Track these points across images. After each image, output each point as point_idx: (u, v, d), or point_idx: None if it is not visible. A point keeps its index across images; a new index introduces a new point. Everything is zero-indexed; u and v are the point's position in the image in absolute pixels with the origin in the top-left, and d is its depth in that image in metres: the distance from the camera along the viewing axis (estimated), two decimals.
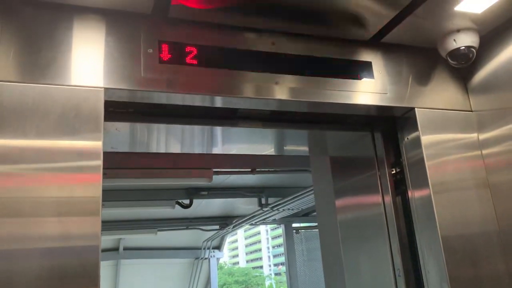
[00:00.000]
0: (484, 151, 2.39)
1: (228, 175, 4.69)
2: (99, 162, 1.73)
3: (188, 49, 1.99)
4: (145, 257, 8.96)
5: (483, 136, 2.40)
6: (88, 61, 1.85)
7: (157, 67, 1.92)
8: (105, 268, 8.71)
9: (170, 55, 1.95)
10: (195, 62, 1.98)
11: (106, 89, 1.83)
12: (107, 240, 7.86)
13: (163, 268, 9.43)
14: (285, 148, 3.13)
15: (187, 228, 7.39)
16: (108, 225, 6.40)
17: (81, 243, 1.62)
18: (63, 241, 1.60)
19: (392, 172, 2.53)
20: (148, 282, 9.47)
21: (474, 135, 2.42)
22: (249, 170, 4.35)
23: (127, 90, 1.87)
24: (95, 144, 1.75)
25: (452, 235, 2.19)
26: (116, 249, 8.53)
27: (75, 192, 1.66)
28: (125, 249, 8.55)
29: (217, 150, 3.05)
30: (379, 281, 2.56)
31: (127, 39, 1.93)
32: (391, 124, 2.53)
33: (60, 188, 1.65)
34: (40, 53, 1.78)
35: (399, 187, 2.50)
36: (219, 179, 4.82)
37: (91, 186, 1.69)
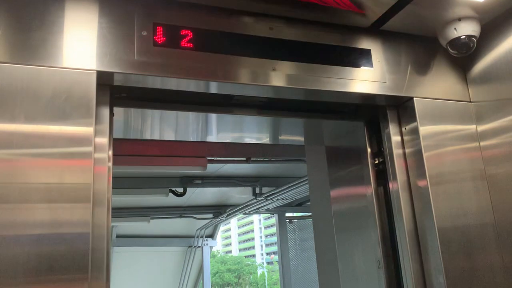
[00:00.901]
0: (482, 143, 2.36)
1: (223, 164, 4.66)
2: (90, 148, 1.68)
3: (183, 32, 1.93)
4: (138, 245, 8.95)
5: (481, 127, 2.38)
6: (80, 42, 1.79)
7: (151, 50, 1.86)
8: None
9: (164, 38, 1.89)
10: (190, 45, 1.93)
11: (98, 72, 1.77)
12: None
13: (156, 256, 9.43)
14: (280, 137, 3.09)
15: (180, 217, 7.37)
16: None
17: (70, 230, 1.58)
18: (52, 228, 1.56)
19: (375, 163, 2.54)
20: (141, 270, 9.47)
21: (473, 126, 2.40)
22: (244, 159, 4.32)
23: (120, 73, 1.82)
24: (87, 130, 1.70)
25: (448, 226, 2.18)
26: None
27: (65, 178, 1.62)
28: (117, 236, 8.52)
29: (212, 138, 3.01)
30: (371, 271, 2.54)
31: (121, 20, 1.87)
32: (385, 114, 2.46)
33: (49, 174, 1.60)
34: (30, 34, 1.72)
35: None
36: (213, 168, 4.78)
37: (82, 173, 1.65)
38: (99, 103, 1.80)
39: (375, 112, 2.50)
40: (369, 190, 2.50)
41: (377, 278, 2.46)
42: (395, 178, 2.33)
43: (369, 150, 2.53)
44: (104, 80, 1.82)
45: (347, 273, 2.81)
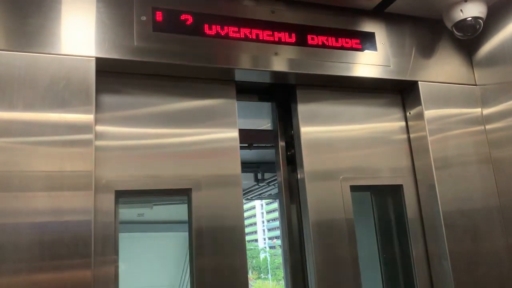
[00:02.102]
0: (488, 126, 2.34)
1: None
2: (91, 136, 1.66)
3: (183, 16, 1.89)
4: (141, 230, 8.99)
5: (486, 111, 2.35)
6: (79, 28, 1.76)
7: (150, 36, 1.83)
8: None
9: (164, 23, 1.85)
10: (190, 30, 1.89)
11: (97, 59, 1.74)
12: None
13: (159, 241, 9.48)
14: None
15: (183, 203, 7.38)
16: None
17: (72, 217, 1.57)
18: (53, 215, 1.55)
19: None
20: (144, 255, 9.53)
21: (478, 110, 2.37)
22: (246, 145, 4.30)
23: (120, 59, 1.78)
24: (87, 117, 1.67)
25: (453, 210, 2.16)
26: None
27: (66, 166, 1.60)
28: (121, 222, 8.55)
29: None
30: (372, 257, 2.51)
31: (119, 5, 1.83)
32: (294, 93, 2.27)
33: (50, 162, 1.59)
34: (27, 20, 1.68)
35: None
36: None
37: (83, 160, 1.63)
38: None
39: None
40: (279, 177, 2.30)
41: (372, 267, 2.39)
42: (301, 165, 2.14)
43: (279, 133, 2.33)
44: (103, 66, 1.79)
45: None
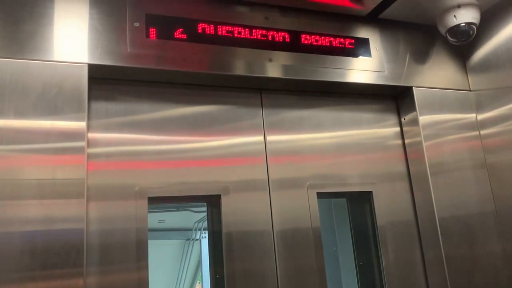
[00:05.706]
0: (482, 132, 2.34)
1: None
2: (83, 143, 1.64)
3: (176, 23, 1.88)
4: None
5: (481, 116, 2.35)
6: (71, 35, 1.74)
7: (144, 42, 1.81)
8: None
9: (157, 29, 1.84)
10: (184, 37, 1.88)
11: (90, 65, 1.72)
12: None
13: (153, 249, 9.38)
14: None
15: (177, 210, 7.33)
16: None
17: (64, 226, 1.54)
18: (45, 224, 1.53)
19: None
20: None
21: (472, 115, 2.37)
22: None
23: (112, 66, 1.77)
24: (79, 125, 1.65)
25: (449, 216, 2.15)
26: None
27: (58, 174, 1.58)
28: None
29: None
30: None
31: (112, 12, 1.82)
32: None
33: (41, 170, 1.56)
34: (18, 26, 1.67)
35: None
36: None
37: (75, 168, 1.61)
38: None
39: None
40: None
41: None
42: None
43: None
44: (95, 73, 1.77)
45: (347, 255, 2.77)
